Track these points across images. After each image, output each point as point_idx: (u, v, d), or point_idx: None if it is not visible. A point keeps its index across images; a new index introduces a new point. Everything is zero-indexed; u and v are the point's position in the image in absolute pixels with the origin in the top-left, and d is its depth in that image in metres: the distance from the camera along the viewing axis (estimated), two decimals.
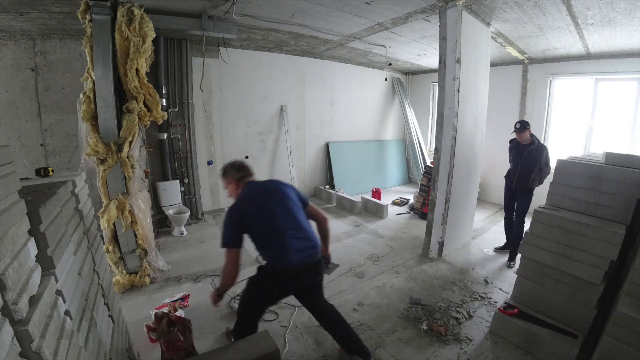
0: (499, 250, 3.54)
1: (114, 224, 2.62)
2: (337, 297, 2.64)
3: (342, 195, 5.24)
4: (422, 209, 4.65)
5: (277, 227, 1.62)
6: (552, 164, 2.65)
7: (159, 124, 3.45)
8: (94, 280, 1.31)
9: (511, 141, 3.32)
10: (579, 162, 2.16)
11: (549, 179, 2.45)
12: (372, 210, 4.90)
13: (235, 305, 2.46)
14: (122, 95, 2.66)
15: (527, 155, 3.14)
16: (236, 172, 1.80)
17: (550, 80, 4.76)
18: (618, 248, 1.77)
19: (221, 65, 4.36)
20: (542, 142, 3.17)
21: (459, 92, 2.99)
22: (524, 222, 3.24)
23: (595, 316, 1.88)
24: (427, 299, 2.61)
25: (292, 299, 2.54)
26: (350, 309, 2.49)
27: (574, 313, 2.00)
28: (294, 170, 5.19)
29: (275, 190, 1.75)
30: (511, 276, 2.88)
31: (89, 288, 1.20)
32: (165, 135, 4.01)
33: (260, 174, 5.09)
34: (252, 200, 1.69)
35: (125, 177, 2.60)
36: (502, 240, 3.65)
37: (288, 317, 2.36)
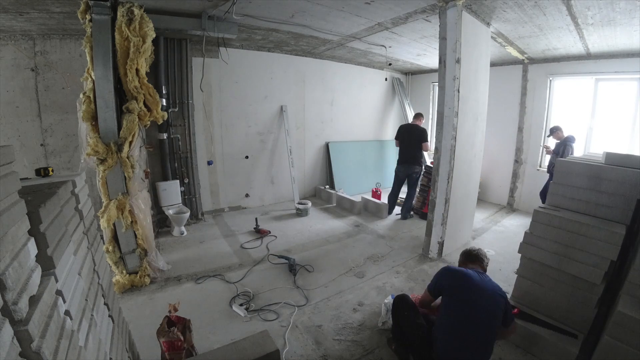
0: None
1: (114, 224, 2.62)
2: (337, 297, 2.64)
3: (342, 195, 5.24)
4: (422, 209, 4.65)
5: (462, 330, 1.60)
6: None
7: (159, 124, 3.45)
8: (94, 280, 1.31)
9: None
10: (579, 162, 2.16)
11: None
12: (372, 210, 4.89)
13: (236, 305, 2.47)
14: (122, 95, 2.66)
15: None
16: (466, 259, 1.92)
17: (550, 80, 4.76)
18: (618, 248, 1.77)
19: (221, 65, 4.36)
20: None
21: (459, 92, 2.99)
22: None
23: (595, 316, 1.88)
24: None
25: (291, 299, 2.57)
26: (350, 309, 2.49)
27: (574, 313, 2.00)
28: (294, 170, 5.19)
29: (490, 305, 1.61)
30: (511, 276, 2.88)
31: (89, 288, 1.20)
32: (165, 135, 4.01)
33: (260, 174, 5.15)
34: (464, 289, 1.65)
35: (125, 177, 2.60)
36: (502, 240, 3.65)
37: (288, 317, 2.36)
